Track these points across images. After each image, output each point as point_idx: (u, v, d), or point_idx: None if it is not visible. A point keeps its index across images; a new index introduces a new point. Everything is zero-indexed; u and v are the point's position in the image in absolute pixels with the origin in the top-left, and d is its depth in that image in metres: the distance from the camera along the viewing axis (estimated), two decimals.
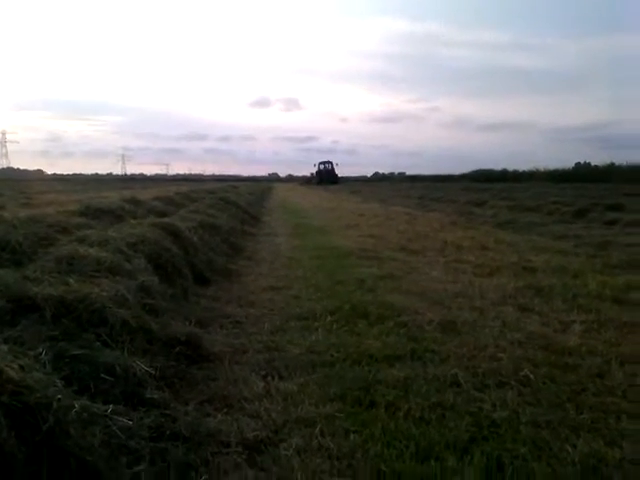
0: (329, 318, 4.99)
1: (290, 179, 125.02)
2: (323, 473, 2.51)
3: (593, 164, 47.59)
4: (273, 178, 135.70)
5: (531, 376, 3.61)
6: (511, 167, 57.82)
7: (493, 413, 3.10)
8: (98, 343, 3.25)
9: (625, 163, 40.70)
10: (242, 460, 2.60)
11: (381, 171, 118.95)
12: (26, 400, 2.11)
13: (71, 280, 3.90)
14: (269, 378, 3.62)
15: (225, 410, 3.12)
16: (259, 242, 11.04)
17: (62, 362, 2.83)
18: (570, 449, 2.71)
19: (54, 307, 3.41)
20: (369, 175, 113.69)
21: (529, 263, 7.83)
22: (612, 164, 42.28)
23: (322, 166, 73.87)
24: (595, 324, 4.80)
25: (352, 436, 2.84)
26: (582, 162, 51.19)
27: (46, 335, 3.09)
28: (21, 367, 2.29)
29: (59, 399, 2.20)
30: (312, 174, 77.06)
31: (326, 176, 69.94)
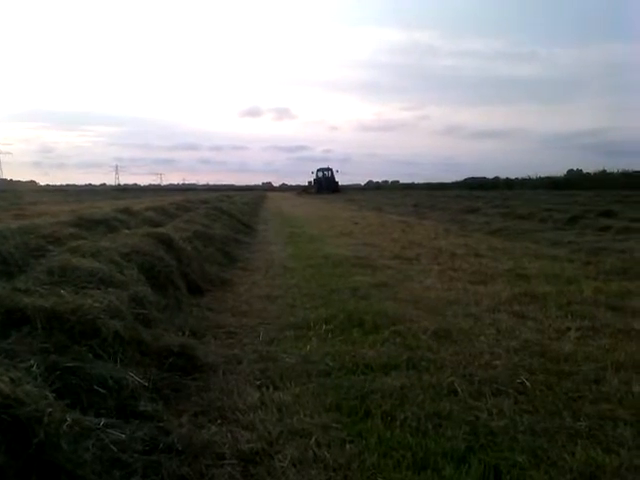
0: (324, 327, 4.97)
1: (284, 188, 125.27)
2: None
3: (585, 171, 47.97)
4: (267, 187, 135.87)
5: (527, 384, 3.59)
6: (503, 175, 58.32)
7: (490, 422, 3.07)
8: (90, 355, 3.21)
9: (617, 170, 41.03)
10: (237, 472, 2.56)
11: (375, 179, 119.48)
12: (16, 413, 2.07)
13: (63, 291, 3.86)
14: (264, 389, 3.59)
15: (219, 421, 3.09)
16: (253, 251, 11.01)
17: (54, 375, 2.79)
18: (568, 457, 2.69)
19: (45, 319, 3.37)
20: (363, 184, 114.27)
21: (523, 270, 7.83)
22: (604, 171, 42.59)
23: (321, 173, 68.50)
24: (590, 331, 4.79)
25: (348, 446, 2.81)
26: (574, 169, 51.60)
27: (37, 347, 3.06)
28: (11, 380, 2.26)
29: (50, 412, 2.17)
30: (310, 182, 70.97)
31: (326, 184, 64.72)
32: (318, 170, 68.99)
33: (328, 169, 68.95)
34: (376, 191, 75.29)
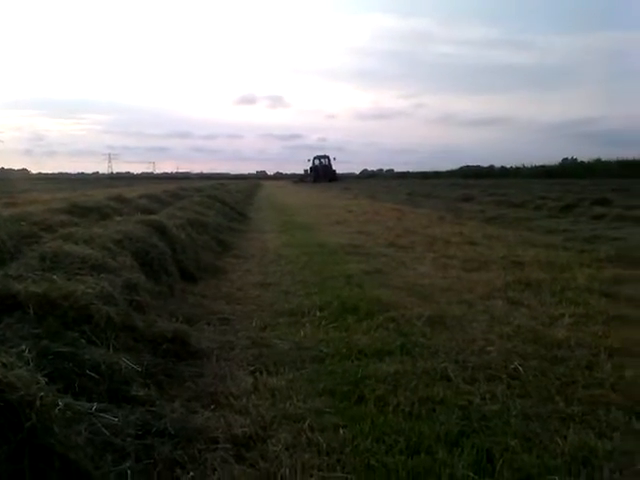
0: (318, 314, 4.97)
1: (279, 177, 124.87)
2: (312, 468, 2.48)
3: (580, 160, 48.01)
4: (261, 176, 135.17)
5: (520, 369, 3.60)
6: (499, 163, 58.41)
7: (483, 406, 3.09)
8: (83, 340, 3.19)
9: (611, 158, 41.05)
10: (230, 456, 2.56)
11: (370, 168, 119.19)
12: (8, 398, 2.05)
13: (55, 277, 3.84)
14: (257, 374, 3.59)
15: (213, 407, 3.08)
16: (247, 239, 10.99)
17: (46, 360, 2.78)
18: (560, 441, 2.70)
19: (38, 304, 3.35)
20: (358, 172, 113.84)
21: (517, 257, 7.84)
22: (599, 159, 42.61)
23: (317, 161, 64.42)
24: (584, 317, 4.80)
25: (341, 431, 2.81)
26: (569, 158, 51.67)
27: (29, 333, 3.04)
28: (3, 364, 2.24)
29: (42, 397, 2.15)
30: (306, 171, 67.03)
31: (323, 172, 61.19)
32: (315, 158, 65.35)
33: (325, 157, 65.32)
34: (371, 179, 74.79)
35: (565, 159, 51.69)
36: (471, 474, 2.42)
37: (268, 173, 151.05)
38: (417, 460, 2.54)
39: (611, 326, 4.53)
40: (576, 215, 13.74)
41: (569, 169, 43.83)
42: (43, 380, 2.32)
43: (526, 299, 5.47)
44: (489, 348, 4.02)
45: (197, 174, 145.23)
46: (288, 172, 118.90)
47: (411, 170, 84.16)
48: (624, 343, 4.08)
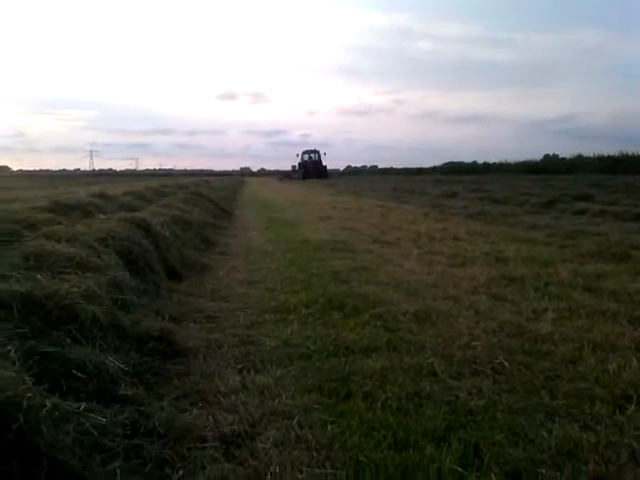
0: (304, 311, 4.97)
1: (263, 173, 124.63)
2: (301, 465, 2.49)
3: (561, 156, 48.46)
4: (245, 172, 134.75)
5: (506, 364, 3.63)
6: (481, 159, 58.78)
7: (469, 401, 3.11)
8: (69, 340, 3.17)
9: (592, 154, 41.50)
10: (219, 454, 2.56)
11: (353, 164, 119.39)
12: None
13: (39, 276, 3.80)
14: (245, 372, 3.59)
15: (201, 405, 3.08)
16: (232, 236, 10.96)
17: (32, 360, 2.75)
18: (546, 435, 2.74)
19: (22, 304, 3.31)
20: (342, 169, 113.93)
21: (501, 253, 7.90)
22: (580, 155, 43.03)
23: (307, 156, 61.67)
24: (567, 312, 4.86)
25: (330, 427, 2.83)
26: (550, 154, 52.12)
27: (14, 333, 3.00)
28: None
29: (29, 397, 2.14)
30: (294, 167, 62.92)
31: (313, 168, 58.27)
32: (304, 153, 62.55)
33: (315, 151, 62.59)
34: (355, 176, 74.71)
35: (547, 155, 52.16)
36: (459, 469, 2.45)
37: (252, 169, 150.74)
38: (405, 455, 2.56)
39: (594, 320, 4.59)
40: (558, 211, 13.87)
41: (551, 165, 44.24)
42: (30, 380, 2.31)
43: (510, 294, 5.52)
44: (475, 343, 4.05)
45: (180, 170, 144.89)
46: (272, 168, 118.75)
47: (395, 166, 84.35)
48: (607, 337, 4.14)
